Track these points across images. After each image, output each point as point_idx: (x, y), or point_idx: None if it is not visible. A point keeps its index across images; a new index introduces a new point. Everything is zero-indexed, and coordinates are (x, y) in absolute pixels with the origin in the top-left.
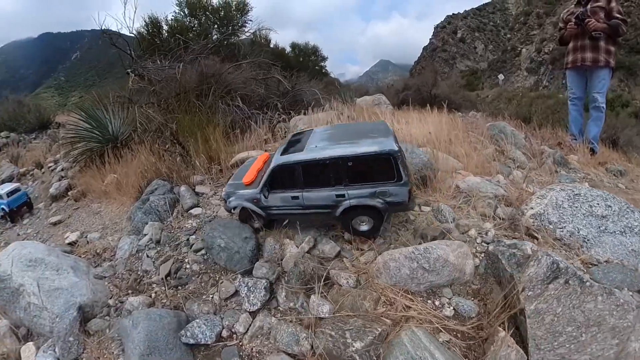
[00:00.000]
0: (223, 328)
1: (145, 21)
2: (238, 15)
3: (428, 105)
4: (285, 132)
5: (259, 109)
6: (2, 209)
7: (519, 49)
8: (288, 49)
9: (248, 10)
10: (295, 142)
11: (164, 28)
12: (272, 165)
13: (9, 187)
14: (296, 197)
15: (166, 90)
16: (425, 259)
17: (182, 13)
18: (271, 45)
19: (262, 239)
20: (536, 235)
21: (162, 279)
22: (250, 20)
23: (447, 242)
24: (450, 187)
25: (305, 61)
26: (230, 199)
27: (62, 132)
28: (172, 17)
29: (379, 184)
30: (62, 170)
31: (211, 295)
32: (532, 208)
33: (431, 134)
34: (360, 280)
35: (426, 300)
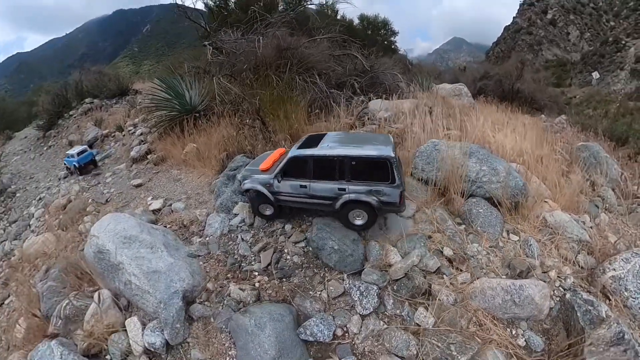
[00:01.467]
0: (336, 327)
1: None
2: None
3: (508, 101)
4: (369, 118)
5: (336, 88)
6: (74, 164)
7: (624, 42)
8: (356, 21)
9: None
10: (310, 141)
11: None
12: (289, 155)
13: (79, 148)
14: (304, 186)
15: (242, 63)
16: (517, 294)
17: None
18: (338, 17)
19: (365, 242)
20: (610, 297)
21: (264, 268)
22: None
23: (535, 283)
24: (538, 218)
25: (373, 35)
26: (246, 181)
27: (139, 99)
28: None
29: (376, 183)
30: (141, 134)
31: (319, 292)
32: (613, 269)
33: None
34: (457, 298)
35: (506, 328)
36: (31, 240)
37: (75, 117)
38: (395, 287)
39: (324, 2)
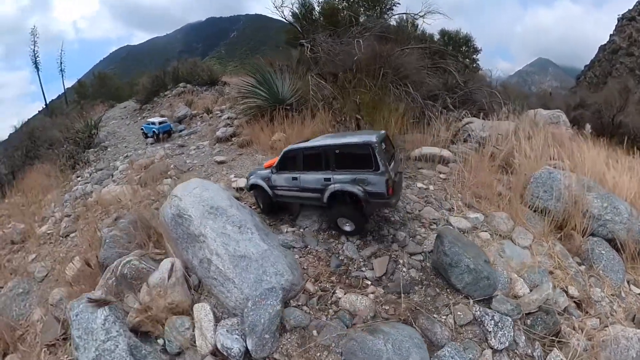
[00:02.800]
0: None
1: (299, 3)
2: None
3: (608, 136)
4: (469, 136)
5: (429, 100)
6: (154, 131)
7: None
8: (437, 37)
9: None
10: (305, 140)
11: (316, 9)
12: (284, 149)
13: (160, 119)
14: (295, 178)
15: (335, 64)
16: None
17: None
18: (418, 32)
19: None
20: None
21: (378, 278)
22: (398, 3)
23: None
24: None
25: (455, 51)
26: (251, 177)
27: (227, 89)
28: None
29: (359, 171)
30: (228, 118)
31: (444, 317)
32: None
33: None
34: (587, 345)
35: None
36: (110, 187)
37: (169, 97)
38: (527, 322)
39: (405, 15)
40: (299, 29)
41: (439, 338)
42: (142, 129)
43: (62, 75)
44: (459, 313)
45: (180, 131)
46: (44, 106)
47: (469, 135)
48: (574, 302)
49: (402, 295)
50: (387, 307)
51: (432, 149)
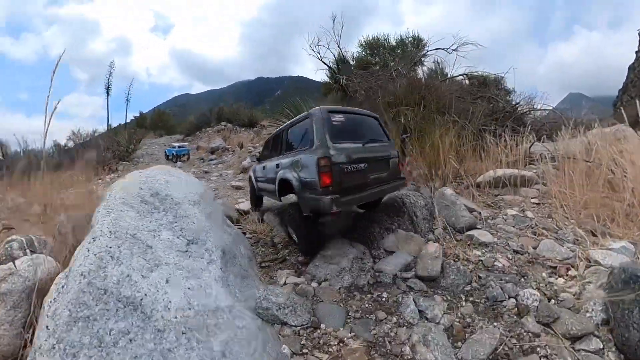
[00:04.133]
0: None
1: (335, 58)
2: (415, 50)
3: None
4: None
5: (482, 126)
6: (173, 153)
7: None
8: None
9: (424, 45)
10: None
11: (351, 63)
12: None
13: (179, 144)
14: (264, 167)
15: (371, 98)
16: None
17: (364, 52)
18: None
19: None
20: None
21: None
22: (427, 54)
23: None
24: None
25: (485, 94)
26: (250, 173)
27: (264, 131)
28: (356, 55)
29: (298, 151)
30: (258, 152)
31: None
32: None
33: None
34: None
35: None
36: None
37: (209, 132)
38: None
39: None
40: (330, 66)
41: None
42: (165, 152)
43: (127, 106)
44: None
45: (210, 160)
46: (107, 127)
47: (543, 155)
48: None
49: None
50: None
51: (510, 171)
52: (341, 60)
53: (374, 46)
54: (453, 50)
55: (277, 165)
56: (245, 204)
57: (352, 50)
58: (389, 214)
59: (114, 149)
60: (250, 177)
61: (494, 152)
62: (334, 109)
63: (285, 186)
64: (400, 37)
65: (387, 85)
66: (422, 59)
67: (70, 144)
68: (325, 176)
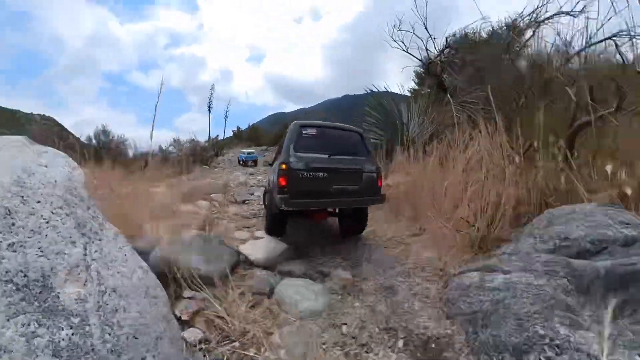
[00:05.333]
0: None
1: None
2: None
3: None
4: None
5: None
6: (243, 159)
7: None
8: None
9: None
10: None
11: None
12: None
13: (249, 150)
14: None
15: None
16: None
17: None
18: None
19: None
20: None
21: None
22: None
23: None
24: None
25: None
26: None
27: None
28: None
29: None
30: None
31: None
32: None
33: None
34: None
35: None
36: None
37: None
38: None
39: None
40: (418, 58)
41: None
42: (238, 157)
43: (225, 122)
44: None
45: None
46: (208, 138)
47: None
48: None
49: None
50: None
51: None
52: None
53: (463, 43)
54: (579, 12)
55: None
56: (258, 248)
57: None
58: None
59: (197, 155)
60: (264, 192)
61: None
62: (307, 123)
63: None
64: (492, 27)
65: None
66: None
67: (171, 149)
68: (281, 179)
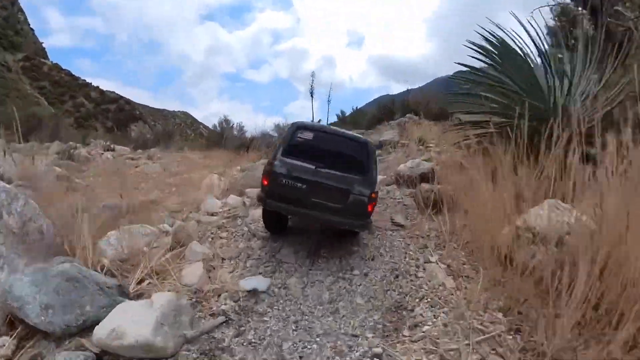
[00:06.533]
0: None
1: None
2: None
3: None
4: None
5: None
6: None
7: None
8: None
9: None
10: None
11: None
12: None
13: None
14: None
15: None
16: None
17: None
18: None
19: None
20: None
21: None
22: None
23: None
24: None
25: None
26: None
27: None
28: None
29: None
30: (439, 152)
31: None
32: None
33: None
34: None
35: None
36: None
37: (391, 125)
38: None
39: None
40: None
41: None
42: None
43: (328, 106)
44: None
45: None
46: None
47: None
48: None
49: None
50: None
51: None
52: None
53: None
54: None
55: None
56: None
57: None
58: None
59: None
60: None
61: None
62: (307, 125)
63: None
64: None
65: None
66: None
67: (274, 133)
68: (264, 178)
